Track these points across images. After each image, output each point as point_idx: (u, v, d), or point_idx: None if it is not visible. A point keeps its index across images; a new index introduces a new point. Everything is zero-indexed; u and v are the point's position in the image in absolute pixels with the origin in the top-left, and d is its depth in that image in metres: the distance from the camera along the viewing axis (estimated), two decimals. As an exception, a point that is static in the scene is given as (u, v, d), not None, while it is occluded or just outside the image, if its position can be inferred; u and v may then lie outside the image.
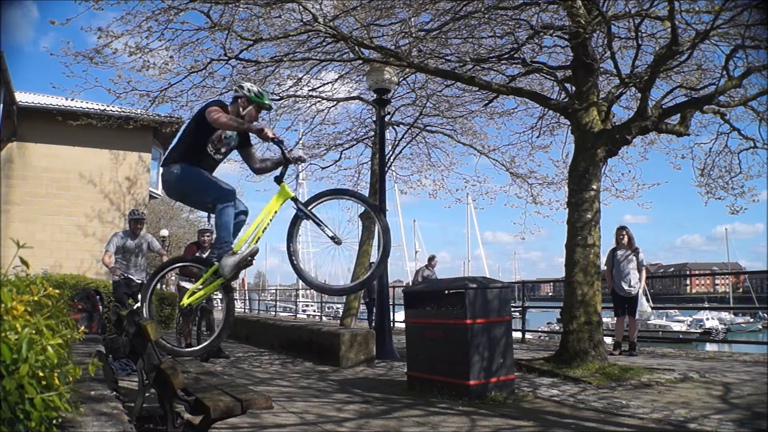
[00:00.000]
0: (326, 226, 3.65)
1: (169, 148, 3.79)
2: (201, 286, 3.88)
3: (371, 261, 11.74)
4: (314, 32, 6.97)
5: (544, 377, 5.95)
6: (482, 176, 19.36)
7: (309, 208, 3.68)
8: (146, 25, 6.70)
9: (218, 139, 3.79)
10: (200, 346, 4.78)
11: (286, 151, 3.73)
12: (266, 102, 3.84)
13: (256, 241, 3.76)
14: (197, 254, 8.00)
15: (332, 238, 3.65)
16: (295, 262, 3.77)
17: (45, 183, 14.39)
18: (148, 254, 7.59)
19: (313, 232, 3.84)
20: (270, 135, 3.51)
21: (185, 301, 3.92)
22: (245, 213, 3.90)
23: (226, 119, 3.54)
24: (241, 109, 3.77)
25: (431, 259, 13.00)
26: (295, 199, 3.71)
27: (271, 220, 3.78)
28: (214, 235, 3.94)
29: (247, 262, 3.74)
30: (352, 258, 3.79)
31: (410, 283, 10.91)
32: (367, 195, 12.40)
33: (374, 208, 3.78)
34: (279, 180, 3.74)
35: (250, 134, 3.86)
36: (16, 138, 14.14)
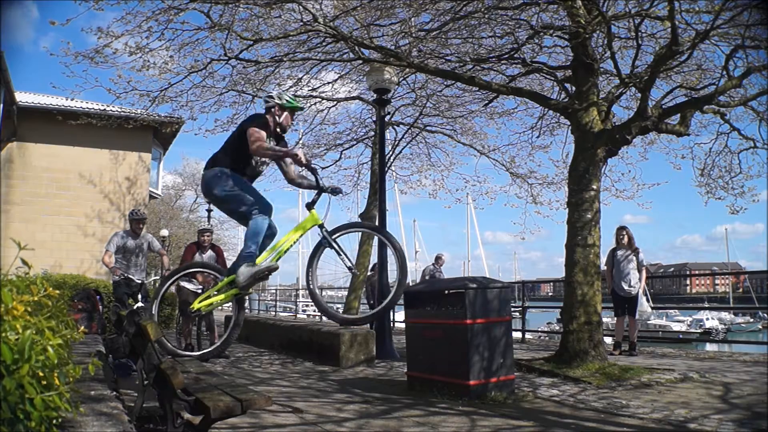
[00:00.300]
0: (346, 257, 3.82)
1: (214, 153, 4.02)
2: (216, 293, 3.97)
3: (370, 270, 11.71)
4: (314, 32, 6.98)
5: (544, 377, 5.95)
6: (482, 176, 19.41)
7: (333, 237, 3.81)
8: (146, 25, 6.70)
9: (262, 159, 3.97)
10: (201, 352, 4.77)
11: (320, 179, 3.91)
12: (298, 105, 4.01)
13: (277, 259, 3.86)
14: (197, 254, 8.00)
15: (349, 268, 3.86)
16: (312, 287, 3.86)
17: (45, 183, 14.39)
18: (148, 254, 7.59)
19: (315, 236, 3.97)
20: (303, 161, 3.65)
21: (195, 305, 3.98)
22: (274, 234, 3.96)
23: (263, 150, 3.70)
24: (277, 118, 3.91)
25: (438, 258, 12.77)
26: (322, 227, 3.84)
27: (295, 242, 3.91)
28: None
29: (263, 275, 3.80)
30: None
31: (416, 281, 10.98)
32: (367, 195, 12.46)
33: (394, 244, 3.86)
34: (310, 207, 3.91)
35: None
36: (16, 138, 14.13)
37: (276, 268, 3.85)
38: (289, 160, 4.04)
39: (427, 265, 12.99)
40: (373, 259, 10.85)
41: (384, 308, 4.69)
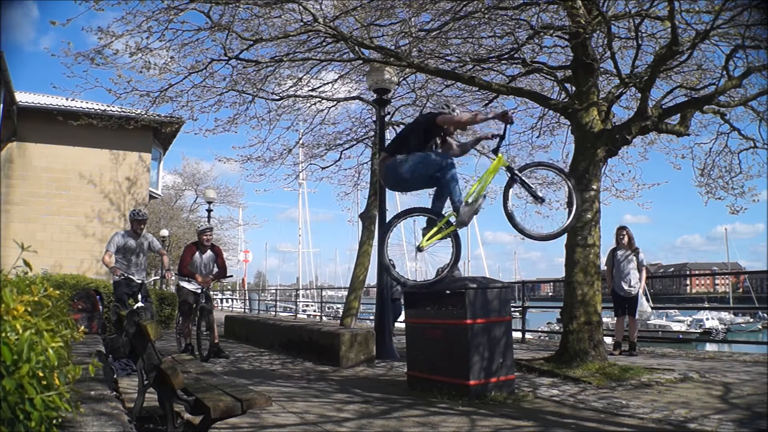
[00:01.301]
0: (532, 189, 4.86)
1: (392, 144, 5.22)
2: (435, 232, 4.94)
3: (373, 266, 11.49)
4: (314, 32, 6.97)
5: (544, 377, 5.95)
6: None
7: (521, 173, 4.78)
8: (146, 25, 6.69)
9: (442, 142, 5.11)
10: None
11: (507, 131, 4.90)
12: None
13: (480, 196, 4.86)
14: (197, 254, 7.99)
15: (539, 198, 4.95)
16: (515, 220, 4.83)
17: (45, 183, 14.39)
18: (149, 254, 7.59)
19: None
20: (510, 116, 4.69)
21: (423, 243, 4.95)
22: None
23: (467, 116, 4.89)
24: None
25: None
26: (509, 167, 4.83)
27: (490, 181, 4.93)
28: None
29: (478, 209, 4.84)
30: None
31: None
32: (367, 195, 12.44)
33: (565, 173, 5.18)
34: (496, 152, 4.90)
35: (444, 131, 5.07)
36: (16, 138, 14.13)
37: (483, 201, 4.90)
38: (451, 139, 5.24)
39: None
40: (373, 259, 10.80)
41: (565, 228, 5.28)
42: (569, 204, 5.07)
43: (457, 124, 4.85)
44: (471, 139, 5.45)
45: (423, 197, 12.99)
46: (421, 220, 5.14)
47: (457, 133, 5.32)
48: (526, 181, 4.81)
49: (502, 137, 4.85)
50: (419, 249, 5.03)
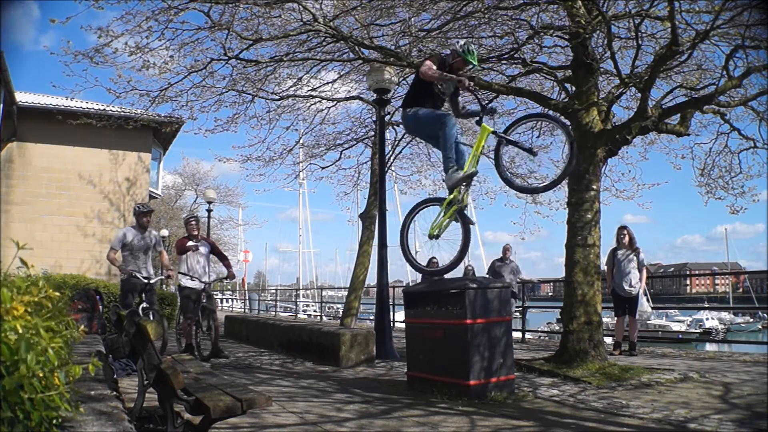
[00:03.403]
0: (523, 144, 4.88)
1: (405, 97, 5.23)
2: (438, 215, 4.97)
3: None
4: (314, 32, 6.97)
5: (544, 377, 5.95)
6: (482, 176, 19.31)
7: (507, 133, 4.71)
8: (146, 24, 6.69)
9: (453, 97, 5.00)
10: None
11: (482, 102, 4.90)
12: (469, 59, 4.76)
13: (475, 166, 4.81)
14: (189, 244, 7.91)
15: (532, 152, 5.06)
16: (505, 175, 4.84)
17: (45, 183, 14.38)
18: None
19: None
20: (466, 84, 4.54)
21: (431, 232, 5.00)
22: (464, 144, 4.95)
23: (431, 72, 4.62)
24: (450, 59, 4.84)
25: (506, 250, 10.90)
26: (494, 132, 4.77)
27: (480, 151, 4.87)
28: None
29: (467, 176, 4.77)
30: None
31: (487, 275, 10.18)
32: (367, 195, 12.45)
33: (560, 122, 5.01)
34: (479, 122, 4.88)
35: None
36: (16, 138, 14.13)
37: (475, 173, 4.87)
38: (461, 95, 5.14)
39: (493, 259, 11.26)
40: (374, 259, 10.80)
41: None
42: (570, 153, 4.74)
43: (424, 77, 4.73)
44: (465, 110, 5.44)
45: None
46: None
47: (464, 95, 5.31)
48: (512, 139, 4.77)
49: (483, 109, 4.86)
50: (431, 237, 5.00)
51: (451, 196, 4.83)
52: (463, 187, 4.95)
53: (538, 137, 10.03)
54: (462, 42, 4.79)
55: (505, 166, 4.85)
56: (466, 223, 4.99)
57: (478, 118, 4.90)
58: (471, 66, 5.00)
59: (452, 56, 4.79)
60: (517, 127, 4.91)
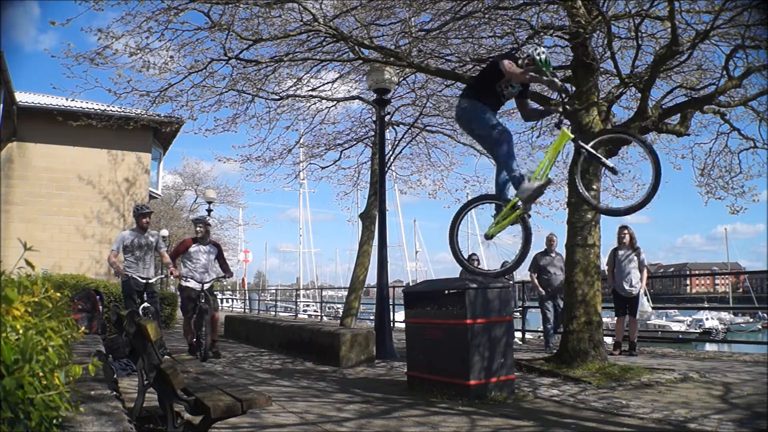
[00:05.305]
0: (605, 160, 4.41)
1: (466, 87, 4.96)
2: (502, 219, 4.55)
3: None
4: (314, 32, 6.97)
5: (544, 377, 5.95)
6: (482, 176, 19.34)
7: (589, 145, 4.32)
8: (146, 25, 6.69)
9: (506, 84, 4.55)
10: None
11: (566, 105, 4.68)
12: (544, 67, 4.40)
13: (546, 176, 4.41)
14: (196, 244, 7.94)
15: (611, 168, 4.52)
16: (581, 190, 4.49)
17: (45, 183, 14.37)
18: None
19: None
20: (559, 86, 4.26)
21: (490, 231, 4.60)
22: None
23: (515, 71, 4.30)
24: (523, 64, 4.50)
25: (551, 240, 9.16)
26: (575, 139, 4.34)
27: (555, 157, 4.50)
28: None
29: (541, 191, 4.35)
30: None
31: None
32: (367, 195, 12.45)
33: (645, 143, 4.39)
34: (558, 125, 4.59)
35: (528, 88, 4.73)
36: (16, 138, 14.12)
37: (550, 181, 4.50)
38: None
39: (536, 253, 9.37)
40: (374, 259, 10.79)
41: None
42: (655, 174, 4.25)
43: (510, 75, 4.34)
44: (538, 110, 5.10)
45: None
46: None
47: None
48: (594, 152, 4.33)
49: (565, 111, 4.72)
50: (487, 237, 4.70)
51: (515, 200, 4.46)
52: None
53: (538, 137, 10.04)
54: (540, 50, 4.45)
55: (581, 182, 4.48)
56: (528, 229, 4.62)
57: (557, 121, 4.67)
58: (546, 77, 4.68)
59: (526, 62, 4.49)
60: (601, 139, 4.55)
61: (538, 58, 4.36)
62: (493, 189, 4.76)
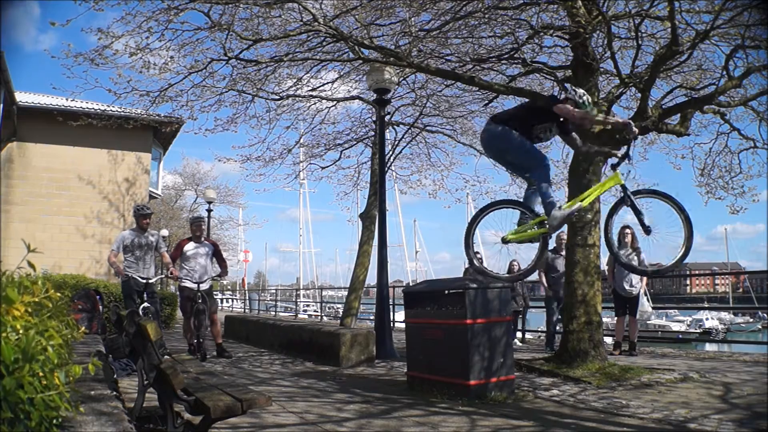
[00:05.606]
0: (644, 216, 4.24)
1: (504, 114, 4.76)
2: (524, 230, 4.48)
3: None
4: (314, 32, 6.97)
5: (544, 377, 5.95)
6: (482, 176, 19.31)
7: (634, 198, 4.23)
8: (146, 25, 6.69)
9: (544, 130, 4.47)
10: None
11: (631, 148, 4.37)
12: (589, 109, 4.37)
13: (578, 206, 4.38)
14: (192, 244, 7.95)
15: (647, 228, 4.25)
16: (609, 235, 4.40)
17: (45, 183, 14.37)
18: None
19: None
20: (634, 132, 4.16)
21: (509, 236, 4.50)
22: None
23: (573, 113, 4.23)
24: (569, 108, 4.33)
25: (560, 240, 8.90)
26: (624, 187, 4.27)
27: (597, 196, 4.47)
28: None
29: (572, 217, 4.41)
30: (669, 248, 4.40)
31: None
32: (367, 195, 12.44)
33: (683, 210, 4.27)
34: (615, 167, 4.36)
35: (570, 125, 4.54)
36: (16, 138, 14.12)
37: (582, 208, 4.46)
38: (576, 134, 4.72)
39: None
40: (374, 259, 10.79)
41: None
42: (687, 238, 4.27)
43: (570, 117, 4.30)
44: (594, 148, 4.92)
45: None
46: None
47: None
48: (638, 207, 4.24)
49: (625, 155, 4.34)
50: (504, 241, 4.66)
51: (544, 217, 4.40)
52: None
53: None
54: (581, 92, 4.41)
55: (612, 227, 4.39)
56: (546, 246, 4.60)
57: (615, 163, 4.39)
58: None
59: (570, 104, 4.37)
60: (644, 196, 4.39)
61: (580, 101, 4.31)
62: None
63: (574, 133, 4.69)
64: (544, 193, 4.34)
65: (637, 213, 4.24)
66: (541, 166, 4.37)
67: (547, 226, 4.34)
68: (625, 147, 4.35)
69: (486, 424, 4.02)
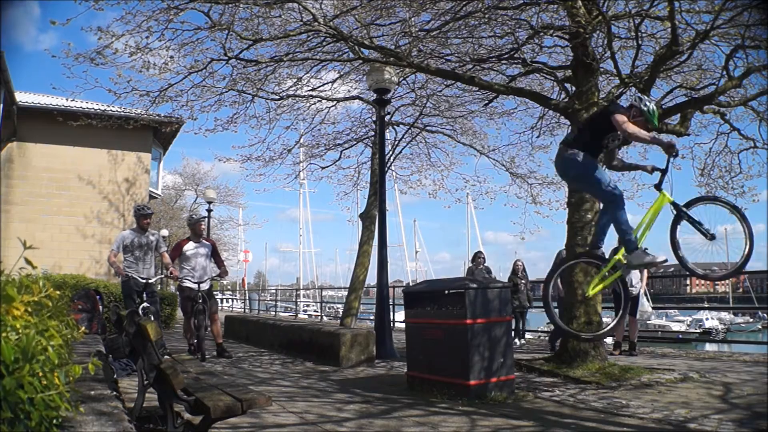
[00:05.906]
0: (701, 225, 4.18)
1: (571, 135, 4.69)
2: (600, 281, 4.49)
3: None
4: (314, 32, 6.97)
5: (544, 377, 5.95)
6: (482, 176, 19.32)
7: (687, 210, 4.18)
8: (146, 24, 6.69)
9: (614, 137, 4.32)
10: None
11: (670, 164, 4.28)
12: (653, 119, 4.24)
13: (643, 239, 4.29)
14: (192, 244, 7.94)
15: (710, 235, 4.18)
16: (680, 254, 4.26)
17: (45, 183, 14.37)
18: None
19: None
20: (676, 152, 4.10)
21: (590, 292, 4.57)
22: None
23: (640, 134, 4.08)
24: (631, 117, 4.20)
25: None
26: (675, 204, 4.22)
27: (653, 221, 4.34)
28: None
29: (653, 266, 4.37)
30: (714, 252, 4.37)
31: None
32: (367, 195, 12.44)
33: (739, 211, 4.25)
34: (659, 187, 4.28)
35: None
36: (16, 138, 14.12)
37: (665, 260, 4.33)
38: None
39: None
40: (374, 259, 10.79)
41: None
42: (749, 239, 4.26)
43: (622, 130, 4.08)
44: (633, 164, 4.86)
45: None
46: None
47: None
48: (694, 217, 4.16)
49: (664, 171, 4.25)
50: (586, 297, 4.86)
51: (617, 257, 4.28)
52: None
53: (538, 137, 10.05)
54: (647, 99, 4.25)
55: (680, 244, 4.25)
56: (626, 291, 4.66)
57: (657, 183, 4.28)
58: (654, 128, 4.50)
59: (631, 111, 4.20)
60: (696, 205, 4.28)
61: (645, 108, 4.16)
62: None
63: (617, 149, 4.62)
64: (623, 230, 4.22)
65: (696, 225, 4.18)
66: (614, 200, 4.24)
67: (625, 266, 4.28)
68: (665, 165, 4.26)
69: (486, 424, 4.02)
